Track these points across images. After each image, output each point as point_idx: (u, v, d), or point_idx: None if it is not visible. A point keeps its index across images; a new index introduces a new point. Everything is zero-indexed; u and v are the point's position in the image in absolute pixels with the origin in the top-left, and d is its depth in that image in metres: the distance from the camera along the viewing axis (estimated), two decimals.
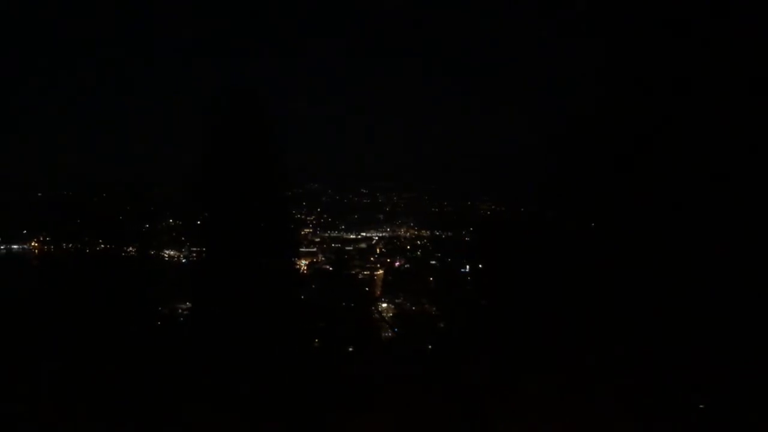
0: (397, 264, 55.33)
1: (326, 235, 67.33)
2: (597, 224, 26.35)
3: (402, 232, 67.26)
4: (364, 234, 67.71)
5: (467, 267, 36.59)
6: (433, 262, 48.50)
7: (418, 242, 62.10)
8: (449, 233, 52.73)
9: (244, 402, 20.29)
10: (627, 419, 18.72)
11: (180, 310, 32.88)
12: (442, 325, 32.48)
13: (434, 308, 35.82)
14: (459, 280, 34.78)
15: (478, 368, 22.54)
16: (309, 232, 65.81)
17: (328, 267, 46.99)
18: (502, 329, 25.24)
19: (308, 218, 68.44)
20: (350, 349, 29.25)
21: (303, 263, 47.03)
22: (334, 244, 64.07)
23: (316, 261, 53.81)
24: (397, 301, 43.30)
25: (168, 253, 54.89)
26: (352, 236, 67.35)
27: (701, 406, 19.42)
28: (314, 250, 60.26)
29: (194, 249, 34.16)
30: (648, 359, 20.31)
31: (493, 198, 60.61)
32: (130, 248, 32.79)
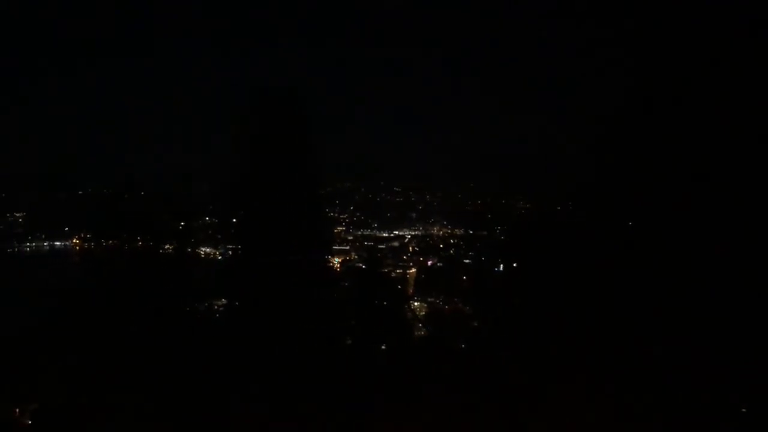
0: (429, 263, 55.05)
1: (359, 233, 67.45)
2: (634, 224, 25.92)
3: (435, 230, 66.93)
4: (396, 232, 67.60)
5: (501, 266, 36.28)
6: (467, 261, 48.20)
7: (451, 241, 61.68)
8: (483, 232, 52.33)
9: (277, 395, 20.53)
10: (661, 419, 18.40)
11: (216, 306, 33.41)
12: (475, 324, 32.25)
13: (467, 307, 35.56)
14: (493, 279, 34.53)
15: (511, 368, 22.37)
16: (342, 230, 66.06)
17: (360, 265, 47.03)
18: (536, 329, 24.99)
19: (341, 216, 68.71)
20: (383, 347, 29.27)
21: (336, 261, 47.23)
22: (367, 242, 64.16)
23: (349, 259, 53.92)
24: (429, 299, 43.08)
25: (204, 250, 55.86)
26: (384, 234, 67.31)
27: (743, 409, 19.01)
28: (347, 248, 60.43)
29: (229, 247, 34.72)
30: (688, 358, 19.93)
31: (527, 197, 59.93)
32: (167, 246, 33.46)
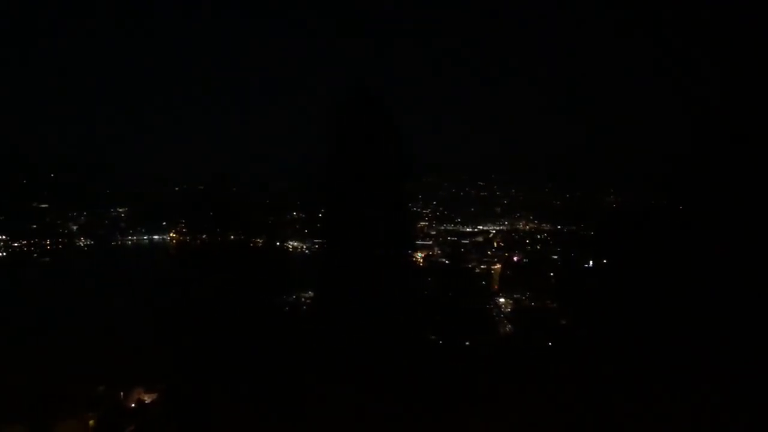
0: (515, 258, 54.05)
1: (442, 228, 67.14)
2: (737, 219, 24.30)
3: (521, 225, 65.64)
4: (480, 227, 66.77)
5: (590, 262, 35.16)
6: (554, 257, 47.02)
7: (538, 236, 60.25)
8: (571, 227, 50.88)
9: (362, 389, 20.77)
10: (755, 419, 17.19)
11: (303, 299, 34.29)
12: (563, 323, 31.41)
13: (555, 305, 34.73)
14: (582, 276, 33.51)
15: (602, 368, 21.59)
16: (425, 225, 65.99)
17: (444, 260, 46.87)
18: (629, 329, 23.98)
19: (424, 211, 68.66)
20: (466, 344, 29.02)
21: (419, 256, 47.28)
22: (450, 237, 63.78)
23: (432, 254, 53.82)
24: (515, 296, 42.36)
25: (292, 244, 57.50)
26: (468, 229, 66.65)
27: None
28: (430, 242, 60.31)
29: (316, 241, 35.47)
30: None
31: (618, 190, 57.75)
32: (258, 239, 34.66)
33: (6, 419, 20.34)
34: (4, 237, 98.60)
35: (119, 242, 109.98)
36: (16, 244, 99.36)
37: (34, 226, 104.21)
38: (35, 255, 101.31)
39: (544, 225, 62.68)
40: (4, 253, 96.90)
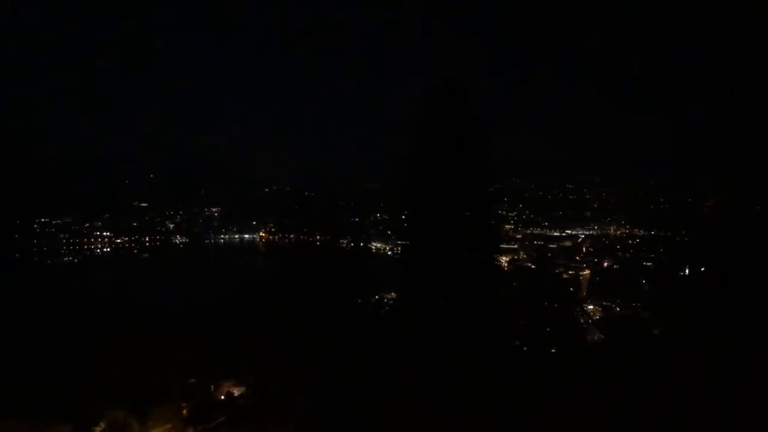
0: (605, 264, 52.30)
1: (528, 231, 65.99)
2: None
3: (612, 230, 63.44)
4: (568, 231, 65.14)
5: (687, 270, 33.45)
6: (647, 263, 45.16)
7: (630, 242, 58.02)
8: (667, 232, 48.72)
9: (442, 391, 20.65)
10: None
11: (386, 300, 34.57)
12: (656, 332, 29.99)
13: (647, 313, 33.29)
14: (679, 284, 31.83)
15: (696, 382, 20.44)
16: (510, 228, 65.08)
17: (530, 264, 45.96)
18: (728, 343, 22.52)
19: (510, 214, 67.73)
20: (552, 351, 28.26)
21: (504, 260, 46.61)
22: (537, 241, 62.64)
23: (518, 258, 53.02)
24: (604, 303, 41.01)
25: (375, 245, 58.23)
26: (555, 234, 65.18)
27: None
28: (515, 246, 59.48)
29: (400, 242, 35.66)
30: None
31: (718, 194, 54.67)
32: (343, 240, 35.24)
33: (109, 406, 21.85)
34: (108, 234, 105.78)
35: (212, 240, 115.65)
36: (118, 241, 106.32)
37: (135, 224, 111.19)
38: (135, 251, 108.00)
39: (636, 230, 60.35)
40: (108, 249, 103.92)
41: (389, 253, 56.41)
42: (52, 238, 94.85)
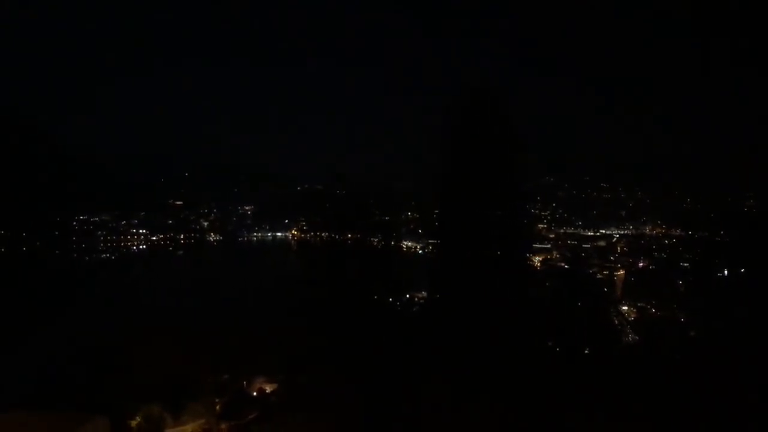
0: (640, 265, 51.30)
1: (561, 231, 65.12)
2: None
3: (647, 230, 62.25)
4: (603, 231, 64.15)
5: (726, 271, 32.70)
6: (684, 264, 44.16)
7: (666, 242, 56.80)
8: (704, 233, 47.64)
9: (474, 390, 20.51)
10: None
11: (416, 299, 34.54)
12: (693, 334, 29.36)
13: (684, 315, 32.61)
14: (717, 285, 31.17)
15: (735, 385, 19.94)
16: (543, 227, 64.29)
17: (563, 264, 45.40)
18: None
19: (543, 213, 66.87)
20: (586, 351, 27.89)
21: (537, 259, 46.07)
22: (570, 241, 61.76)
23: (551, 258, 52.32)
24: (639, 304, 40.22)
25: (406, 244, 58.15)
26: (589, 233, 64.25)
27: None
28: (548, 246, 58.71)
29: (431, 241, 35.58)
30: None
31: (758, 194, 53.21)
32: (373, 239, 35.34)
33: (145, 400, 22.31)
34: (144, 231, 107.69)
35: (245, 238, 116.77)
36: (154, 238, 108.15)
37: (170, 222, 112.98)
38: (171, 248, 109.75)
39: (673, 230, 59.07)
40: (144, 246, 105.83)
41: (420, 251, 56.25)
42: (90, 235, 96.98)
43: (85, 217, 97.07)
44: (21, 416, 8.12)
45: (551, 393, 20.74)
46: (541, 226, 64.56)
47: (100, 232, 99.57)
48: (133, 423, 21.75)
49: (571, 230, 65.80)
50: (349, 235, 34.63)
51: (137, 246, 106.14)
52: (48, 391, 22.07)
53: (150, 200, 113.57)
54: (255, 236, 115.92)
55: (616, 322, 35.41)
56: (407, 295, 34.81)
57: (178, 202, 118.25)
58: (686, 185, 65.15)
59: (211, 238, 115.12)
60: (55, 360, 26.69)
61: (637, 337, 32.86)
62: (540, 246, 55.71)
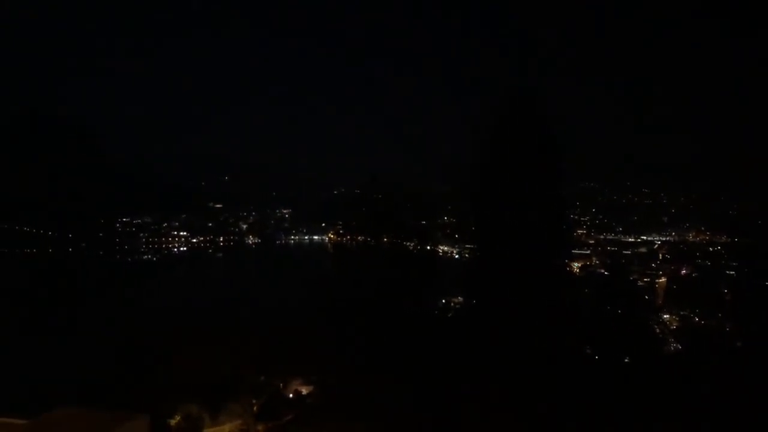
0: (683, 272, 50.14)
1: (601, 237, 64.19)
2: None
3: (690, 236, 60.79)
4: (644, 237, 62.96)
5: None
6: (730, 272, 42.93)
7: (710, 249, 55.34)
8: (751, 239, 46.27)
9: (510, 399, 20.35)
10: None
11: (452, 304, 34.42)
12: (739, 344, 28.49)
13: (729, 324, 31.69)
14: (763, 295, 30.16)
15: None
16: (582, 233, 63.44)
17: (602, 271, 44.67)
18: None
19: (582, 219, 66.01)
20: (626, 360, 27.36)
21: (576, 265, 45.47)
22: (610, 247, 60.81)
23: (590, 264, 51.62)
24: (682, 312, 39.32)
25: (442, 248, 58.02)
26: (630, 239, 63.15)
27: None
28: (588, 252, 57.95)
29: (467, 246, 35.47)
30: None
31: None
32: (409, 243, 35.38)
33: (184, 399, 22.76)
34: (184, 233, 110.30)
35: (283, 241, 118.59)
36: (194, 240, 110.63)
37: (210, 224, 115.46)
38: (210, 250, 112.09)
39: (718, 236, 57.52)
40: (184, 248, 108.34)
41: (456, 256, 56.05)
42: (133, 236, 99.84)
43: (128, 219, 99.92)
44: (67, 414, 8.41)
45: (589, 401, 20.43)
46: (580, 231, 63.71)
47: (142, 234, 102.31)
48: (173, 422, 22.19)
49: (611, 236, 64.82)
50: (385, 239, 34.74)
51: (178, 248, 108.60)
52: (91, 389, 22.69)
53: (191, 203, 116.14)
54: (292, 239, 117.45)
55: (658, 330, 34.66)
56: (443, 300, 34.72)
57: (218, 205, 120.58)
58: (732, 190, 63.40)
59: (249, 241, 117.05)
60: (98, 358, 27.48)
61: (679, 346, 32.08)
62: (579, 252, 55.01)
